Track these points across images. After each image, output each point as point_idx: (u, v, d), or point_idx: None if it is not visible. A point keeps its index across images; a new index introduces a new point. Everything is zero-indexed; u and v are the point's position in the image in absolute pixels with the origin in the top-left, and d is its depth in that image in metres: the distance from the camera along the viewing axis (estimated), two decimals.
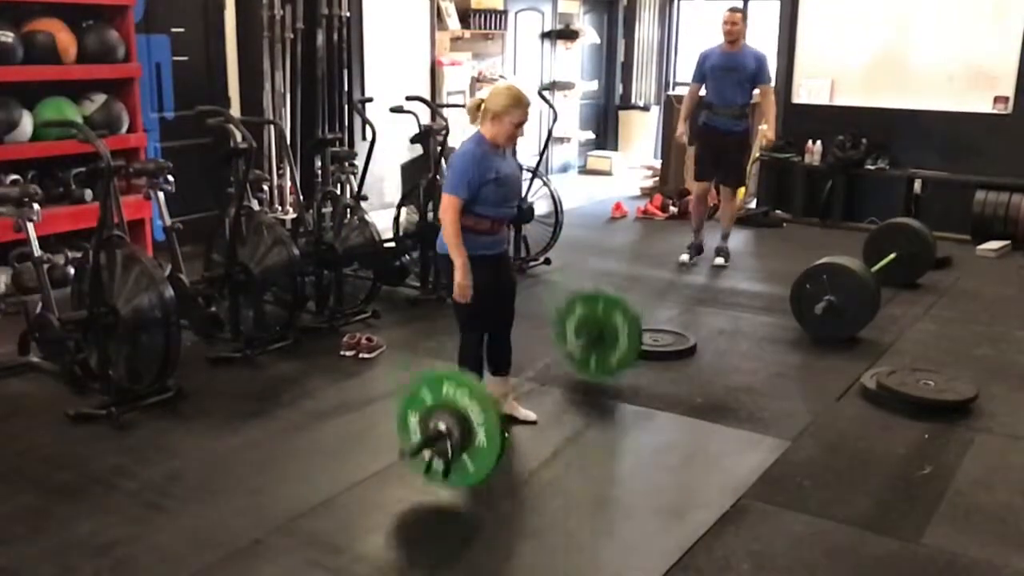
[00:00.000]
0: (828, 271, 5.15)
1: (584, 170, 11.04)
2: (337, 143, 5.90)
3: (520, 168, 4.20)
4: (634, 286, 6.10)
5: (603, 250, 7.41)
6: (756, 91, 6.60)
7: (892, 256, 6.08)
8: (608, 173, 10.78)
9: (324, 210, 5.49)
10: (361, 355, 4.74)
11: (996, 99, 7.79)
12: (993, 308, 5.90)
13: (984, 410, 4.19)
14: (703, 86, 6.64)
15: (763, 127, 6.82)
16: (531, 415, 3.99)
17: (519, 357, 4.84)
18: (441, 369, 3.69)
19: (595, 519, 3.33)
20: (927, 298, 6.06)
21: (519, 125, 3.62)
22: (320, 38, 7.14)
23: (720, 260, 6.79)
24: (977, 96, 7.83)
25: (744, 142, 6.81)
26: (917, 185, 8.13)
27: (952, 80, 7.92)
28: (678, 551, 3.01)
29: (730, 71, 6.44)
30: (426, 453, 3.20)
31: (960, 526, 3.22)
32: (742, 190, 7.52)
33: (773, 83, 6.81)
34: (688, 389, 4.44)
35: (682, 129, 6.92)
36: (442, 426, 3.16)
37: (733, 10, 6.49)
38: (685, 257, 6.86)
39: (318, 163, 5.76)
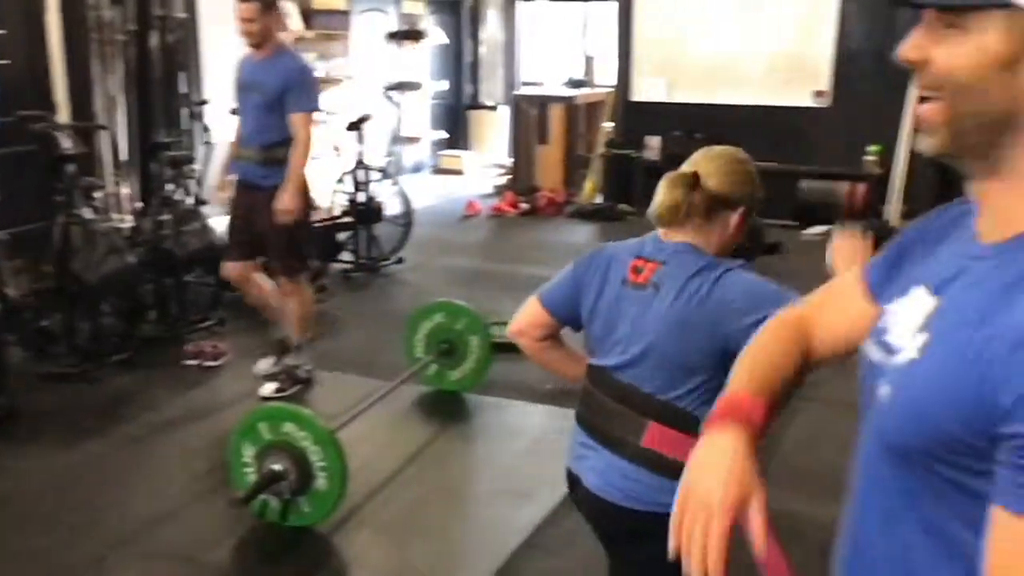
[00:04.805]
0: None
1: (437, 170, 11.10)
2: (174, 147, 5.73)
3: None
4: (486, 281, 6.23)
5: (456, 247, 7.49)
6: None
7: None
8: (460, 172, 10.89)
9: (162, 217, 5.32)
10: (205, 363, 4.63)
11: (816, 93, 8.38)
12: None
13: None
14: None
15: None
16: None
17: (372, 357, 4.82)
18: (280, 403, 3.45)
19: (447, 507, 3.40)
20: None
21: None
22: (154, 40, 6.90)
23: (269, 388, 4.19)
24: (798, 90, 8.38)
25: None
26: None
27: (775, 74, 8.44)
28: (526, 530, 3.12)
29: (249, 90, 4.08)
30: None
31: None
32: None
33: (317, 111, 4.19)
34: (538, 376, 4.55)
35: (220, 181, 4.45)
36: (278, 467, 3.00)
37: None
38: (264, 365, 4.36)
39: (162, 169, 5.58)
